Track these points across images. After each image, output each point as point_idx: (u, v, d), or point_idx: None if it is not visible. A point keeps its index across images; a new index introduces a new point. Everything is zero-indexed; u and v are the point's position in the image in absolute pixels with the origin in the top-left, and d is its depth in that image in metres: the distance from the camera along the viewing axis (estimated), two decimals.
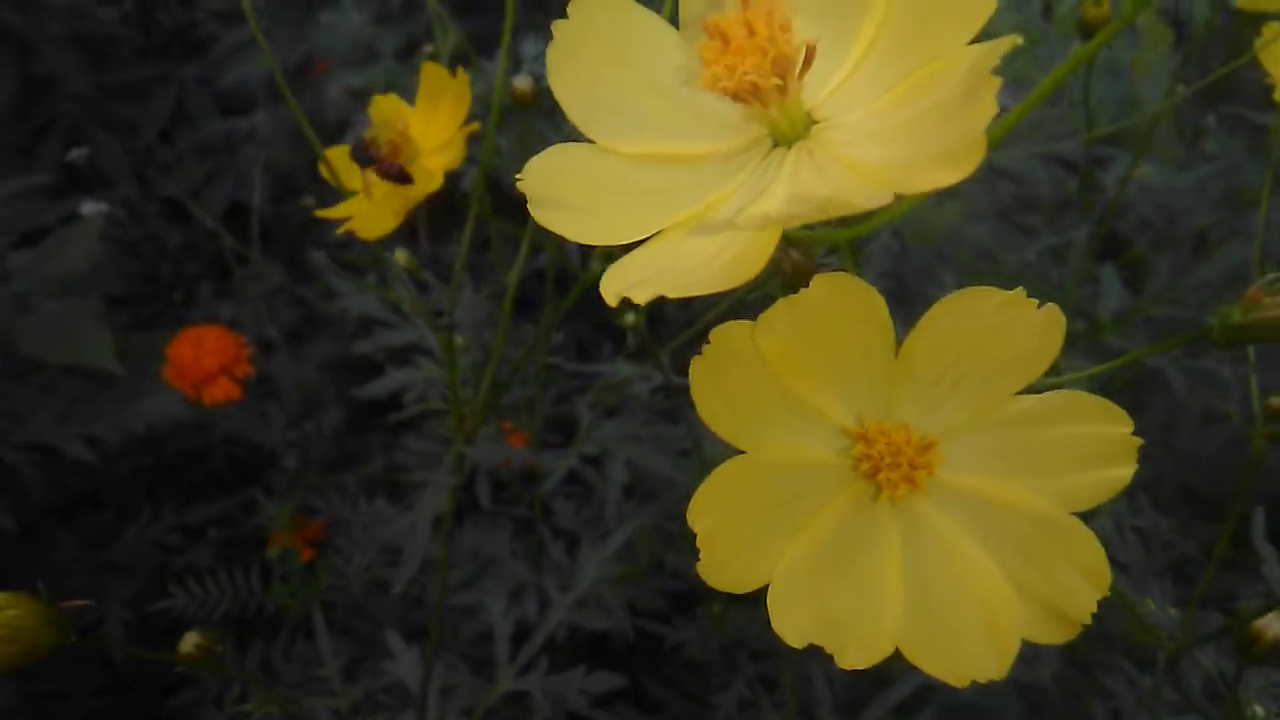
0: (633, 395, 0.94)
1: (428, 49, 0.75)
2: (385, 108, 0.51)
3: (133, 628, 1.08)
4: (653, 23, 0.33)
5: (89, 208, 1.39)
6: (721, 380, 0.32)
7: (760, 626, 0.79)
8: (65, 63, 1.70)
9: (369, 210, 0.46)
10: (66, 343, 0.96)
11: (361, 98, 1.15)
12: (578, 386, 1.06)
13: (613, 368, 0.91)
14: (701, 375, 0.32)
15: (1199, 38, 0.84)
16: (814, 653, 0.32)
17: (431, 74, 0.48)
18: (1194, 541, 0.75)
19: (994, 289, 0.31)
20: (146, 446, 1.31)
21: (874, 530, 0.33)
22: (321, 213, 0.48)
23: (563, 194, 0.31)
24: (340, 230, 0.46)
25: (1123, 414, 0.32)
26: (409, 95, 1.32)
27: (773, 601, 0.32)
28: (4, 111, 1.63)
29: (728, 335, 0.32)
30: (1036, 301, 0.31)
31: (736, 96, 0.29)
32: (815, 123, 0.31)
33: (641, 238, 0.29)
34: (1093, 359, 0.76)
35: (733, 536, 0.32)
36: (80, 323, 0.97)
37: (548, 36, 0.33)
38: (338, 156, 0.49)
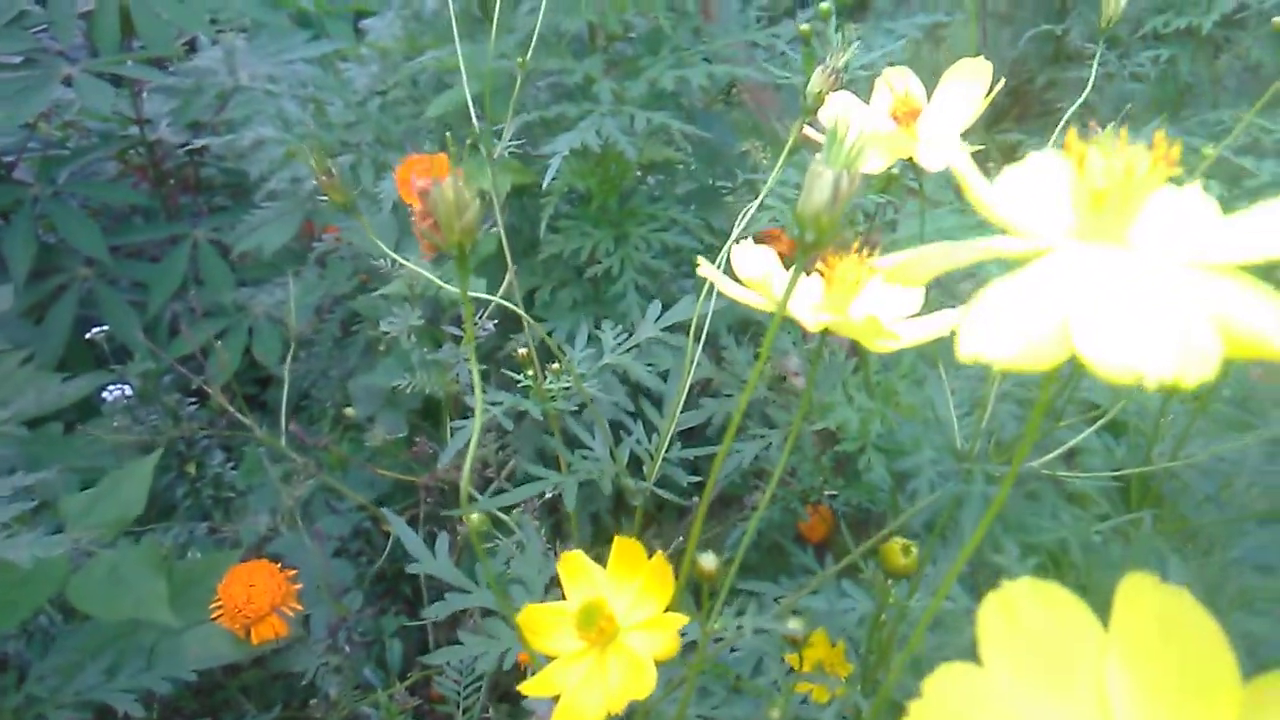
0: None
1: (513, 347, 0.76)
2: (575, 566, 0.48)
3: None
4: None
5: (111, 393, 1.37)
6: None
7: None
8: (77, 226, 1.69)
9: (577, 694, 0.45)
10: (122, 596, 0.94)
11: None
12: None
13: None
14: None
15: None
16: None
17: (623, 546, 0.46)
18: None
19: None
20: None
21: None
22: (525, 689, 0.47)
23: None
24: None
25: None
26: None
27: None
28: (18, 279, 1.61)
29: None
30: None
31: None
32: None
33: None
34: None
35: None
36: (136, 573, 0.95)
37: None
38: (528, 620, 0.47)
